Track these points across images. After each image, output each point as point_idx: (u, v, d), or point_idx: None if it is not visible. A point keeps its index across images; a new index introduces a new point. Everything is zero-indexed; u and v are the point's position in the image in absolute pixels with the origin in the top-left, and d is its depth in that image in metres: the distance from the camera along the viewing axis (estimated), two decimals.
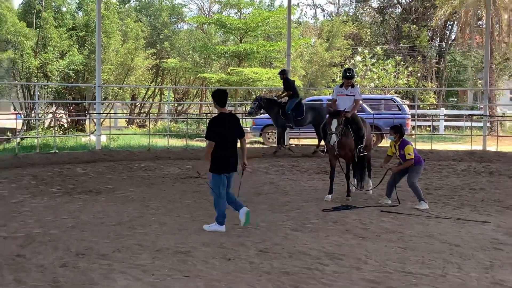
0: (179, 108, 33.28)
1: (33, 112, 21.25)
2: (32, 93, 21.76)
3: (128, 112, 32.24)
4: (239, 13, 32.77)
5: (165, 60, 30.03)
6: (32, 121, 20.85)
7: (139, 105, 31.65)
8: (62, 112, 24.88)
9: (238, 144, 7.62)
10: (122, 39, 26.46)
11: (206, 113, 30.78)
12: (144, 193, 10.18)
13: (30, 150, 16.50)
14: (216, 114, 7.80)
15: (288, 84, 16.20)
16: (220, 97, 7.56)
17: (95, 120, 18.69)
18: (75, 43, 23.48)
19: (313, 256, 6.25)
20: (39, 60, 21.40)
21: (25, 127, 21.46)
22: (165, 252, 6.30)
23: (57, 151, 15.53)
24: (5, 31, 20.68)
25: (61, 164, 13.96)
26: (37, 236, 6.91)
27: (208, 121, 7.74)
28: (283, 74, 16.44)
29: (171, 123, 27.52)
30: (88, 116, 21.86)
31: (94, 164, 14.09)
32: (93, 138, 17.40)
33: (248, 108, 16.56)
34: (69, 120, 24.05)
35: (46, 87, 22.44)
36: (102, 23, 19.28)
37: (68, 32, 23.37)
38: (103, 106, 21.54)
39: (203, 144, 19.17)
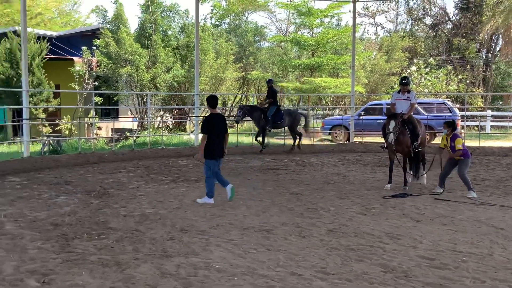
0: None
1: (145, 116, 21.97)
2: (145, 101, 22.50)
3: None
4: (311, 32, 32.56)
5: (249, 72, 30.29)
6: (145, 123, 21.58)
7: (228, 109, 32.05)
8: (168, 115, 25.60)
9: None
10: (215, 55, 26.88)
11: None
12: (233, 182, 10.27)
13: (143, 146, 17.03)
14: (208, 114, 8.25)
15: (272, 93, 15.51)
16: (212, 100, 8.09)
17: (194, 121, 19.09)
18: (178, 59, 24.02)
19: (375, 236, 6.15)
20: (150, 74, 22.01)
21: (139, 128, 22.21)
22: (251, 230, 6.37)
23: (164, 146, 15.95)
24: (124, 51, 21.40)
25: (167, 158, 14.35)
26: (150, 215, 7.14)
27: (202, 120, 8.28)
28: (270, 83, 15.79)
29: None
30: (188, 118, 22.37)
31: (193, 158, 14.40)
32: (192, 136, 17.75)
33: (235, 116, 15.90)
34: (173, 122, 24.71)
35: (155, 96, 23.11)
36: (199, 43, 19.66)
37: (173, 51, 23.95)
38: (200, 110, 21.97)
39: (281, 141, 19.19)
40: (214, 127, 8.00)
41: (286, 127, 16.34)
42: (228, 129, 8.91)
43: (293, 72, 32.21)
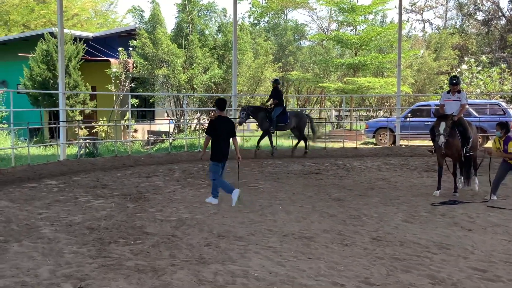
0: None
1: (182, 118, 22.25)
2: (181, 102, 22.78)
3: None
4: (354, 30, 32.32)
5: (289, 73, 30.28)
6: (181, 125, 21.85)
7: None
8: (205, 117, 25.83)
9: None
10: (253, 55, 26.98)
11: (325, 118, 30.69)
12: (272, 186, 10.33)
13: (180, 149, 17.26)
14: (215, 117, 8.65)
15: (277, 93, 15.30)
16: (220, 104, 8.57)
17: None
18: (215, 60, 24.20)
19: (423, 245, 6.04)
20: (187, 75, 22.25)
21: (176, 130, 22.49)
22: (291, 237, 6.36)
23: (201, 149, 16.09)
24: (160, 52, 21.71)
25: (204, 161, 14.29)
26: (187, 220, 7.22)
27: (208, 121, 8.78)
28: (276, 83, 15.63)
29: None
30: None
31: (231, 161, 14.46)
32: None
33: (238, 119, 15.47)
34: None
35: (192, 97, 23.37)
36: (237, 42, 19.79)
37: (210, 51, 24.14)
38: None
39: (322, 144, 19.09)
40: (218, 130, 8.44)
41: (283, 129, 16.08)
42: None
43: (335, 72, 32.01)
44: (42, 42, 21.00)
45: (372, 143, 21.02)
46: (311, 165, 13.81)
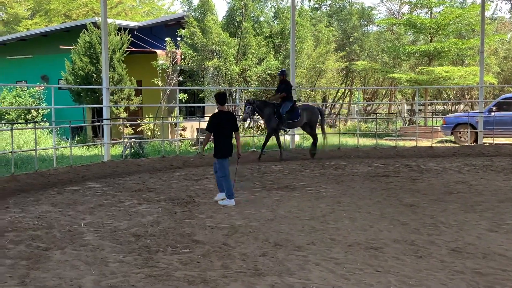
0: (368, 108, 33.03)
1: (234, 114, 22.44)
2: (233, 97, 23.01)
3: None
4: (429, 12, 31.66)
5: (354, 62, 30.00)
6: (250, 118, 22.00)
7: (329, 106, 31.95)
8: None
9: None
10: (314, 43, 26.91)
11: (396, 113, 30.25)
12: (335, 190, 10.28)
13: None
14: (215, 112, 9.13)
15: (286, 86, 14.89)
16: (220, 98, 8.97)
17: None
18: (271, 49, 24.30)
19: (509, 258, 5.86)
20: (240, 67, 22.43)
21: (245, 124, 22.58)
22: (356, 247, 6.31)
23: (255, 149, 16.22)
24: (211, 42, 21.96)
25: (266, 162, 14.50)
26: (240, 227, 7.28)
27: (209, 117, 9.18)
28: (283, 74, 15.16)
29: (361, 123, 27.41)
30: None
31: (289, 162, 14.52)
32: (287, 137, 17.88)
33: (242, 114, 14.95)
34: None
35: (245, 91, 23.56)
36: (295, 29, 19.79)
37: (265, 40, 24.25)
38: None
39: (392, 143, 18.84)
40: (220, 125, 8.87)
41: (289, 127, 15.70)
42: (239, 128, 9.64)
43: (407, 61, 31.48)
44: (84, 33, 21.67)
45: (450, 141, 20.65)
46: (380, 166, 13.65)
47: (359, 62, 29.60)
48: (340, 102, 33.53)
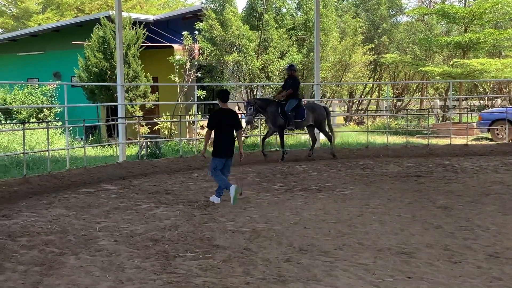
0: (398, 104, 32.83)
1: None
2: (255, 93, 23.01)
3: (346, 109, 32.56)
4: (463, 1, 31.35)
5: (383, 55, 29.83)
6: (255, 120, 22.06)
7: (356, 102, 31.83)
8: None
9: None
10: (340, 36, 26.83)
11: (428, 109, 30.02)
12: (363, 191, 10.23)
13: (253, 148, 17.43)
14: (217, 109, 9.58)
15: (295, 83, 14.55)
16: (223, 95, 9.31)
17: None
18: (294, 42, 24.26)
19: None
20: (261, 61, 22.42)
21: (248, 126, 22.73)
22: (386, 252, 6.28)
23: (278, 148, 16.21)
24: (230, 35, 21.97)
25: (289, 162, 14.47)
26: (262, 231, 7.27)
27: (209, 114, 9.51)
28: (291, 70, 14.73)
29: (390, 120, 27.26)
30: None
31: (313, 162, 14.49)
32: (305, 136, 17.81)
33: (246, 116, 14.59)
34: None
35: (267, 87, 23.55)
36: (320, 21, 19.74)
37: (288, 32, 24.22)
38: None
39: (424, 141, 18.69)
40: (221, 123, 9.18)
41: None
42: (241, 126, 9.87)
43: (440, 53, 31.21)
44: (98, 27, 21.85)
45: (486, 138, 20.45)
46: (411, 165, 13.57)
47: (388, 55, 29.41)
48: (368, 97, 33.39)
